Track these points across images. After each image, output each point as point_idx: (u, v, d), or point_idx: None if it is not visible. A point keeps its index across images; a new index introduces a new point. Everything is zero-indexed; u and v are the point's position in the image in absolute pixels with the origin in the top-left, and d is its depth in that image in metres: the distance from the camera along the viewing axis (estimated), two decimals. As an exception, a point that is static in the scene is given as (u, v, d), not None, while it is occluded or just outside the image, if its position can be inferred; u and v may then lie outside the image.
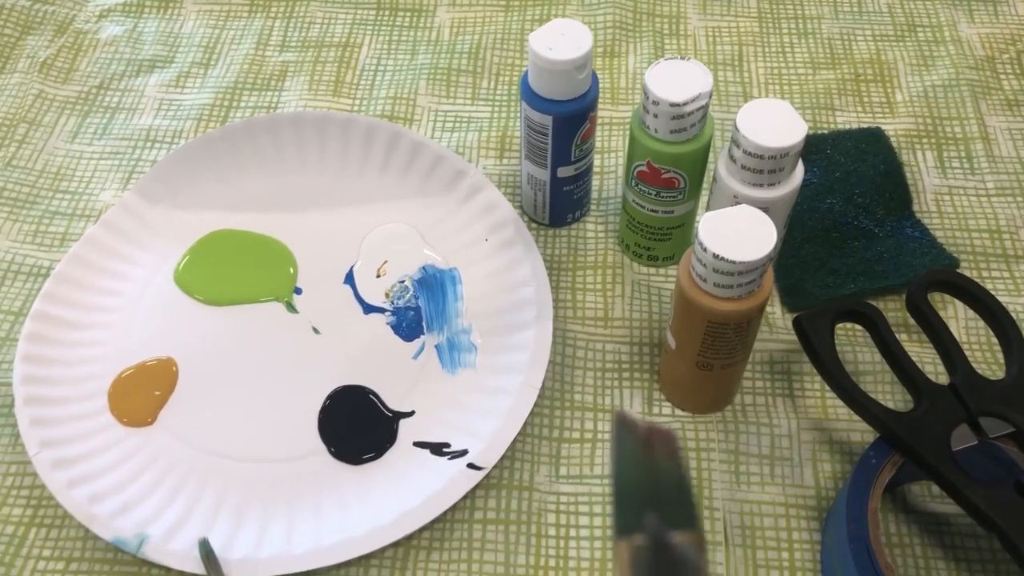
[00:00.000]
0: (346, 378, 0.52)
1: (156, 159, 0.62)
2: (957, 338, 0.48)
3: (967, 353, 0.49)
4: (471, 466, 0.47)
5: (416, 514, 0.46)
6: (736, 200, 0.48)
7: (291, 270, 0.56)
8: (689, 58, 0.48)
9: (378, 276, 0.56)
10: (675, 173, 0.50)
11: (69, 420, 0.49)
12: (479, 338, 0.53)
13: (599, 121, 0.64)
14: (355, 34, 0.69)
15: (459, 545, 0.46)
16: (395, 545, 0.46)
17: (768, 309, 0.54)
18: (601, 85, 0.66)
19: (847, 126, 0.63)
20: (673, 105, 0.47)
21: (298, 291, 0.55)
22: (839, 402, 0.51)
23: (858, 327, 0.53)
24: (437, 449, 0.49)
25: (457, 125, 0.64)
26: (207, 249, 0.57)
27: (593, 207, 0.59)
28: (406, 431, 0.50)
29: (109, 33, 0.70)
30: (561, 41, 0.48)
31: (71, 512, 0.46)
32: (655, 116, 0.48)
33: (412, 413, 0.50)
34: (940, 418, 0.43)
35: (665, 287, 0.55)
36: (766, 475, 0.48)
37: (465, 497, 0.47)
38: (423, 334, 0.53)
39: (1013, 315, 0.53)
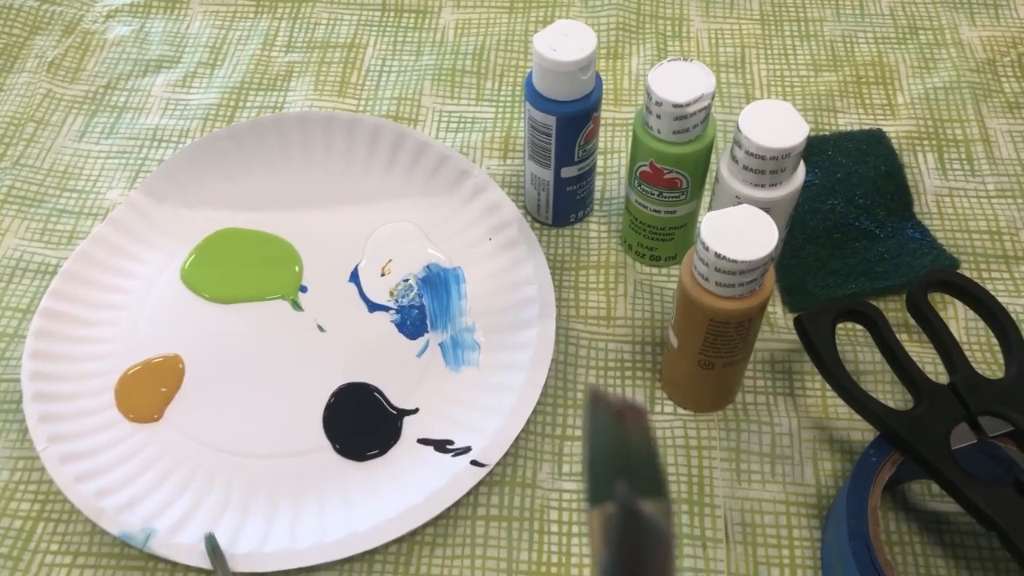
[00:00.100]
0: (351, 375, 0.52)
1: (163, 158, 0.63)
2: (957, 338, 0.48)
3: (967, 353, 0.49)
4: (474, 463, 0.47)
5: (420, 510, 0.46)
6: (738, 200, 0.48)
7: (296, 268, 0.56)
8: (692, 59, 0.49)
9: (383, 275, 0.56)
10: (678, 173, 0.50)
11: (77, 416, 0.50)
12: (482, 336, 0.53)
13: (602, 122, 0.64)
14: (360, 35, 0.70)
15: (462, 541, 0.47)
16: (399, 541, 0.47)
17: (769, 309, 0.55)
18: (604, 86, 0.66)
19: (848, 128, 0.63)
20: (676, 106, 0.47)
21: (303, 289, 0.56)
22: (839, 401, 0.51)
23: (859, 327, 0.53)
24: (441, 446, 0.49)
25: (461, 125, 0.64)
26: (213, 247, 0.57)
27: (596, 207, 0.59)
28: (410, 428, 0.50)
29: (116, 33, 0.70)
30: (565, 42, 0.49)
31: (78, 507, 0.46)
32: (658, 117, 0.48)
33: (416, 410, 0.51)
34: (940, 417, 0.44)
35: (667, 287, 0.56)
36: (767, 473, 0.49)
37: (468, 494, 0.48)
38: (427, 332, 0.54)
39: (1013, 316, 0.53)
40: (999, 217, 0.59)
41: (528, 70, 0.65)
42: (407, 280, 0.56)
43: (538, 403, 0.51)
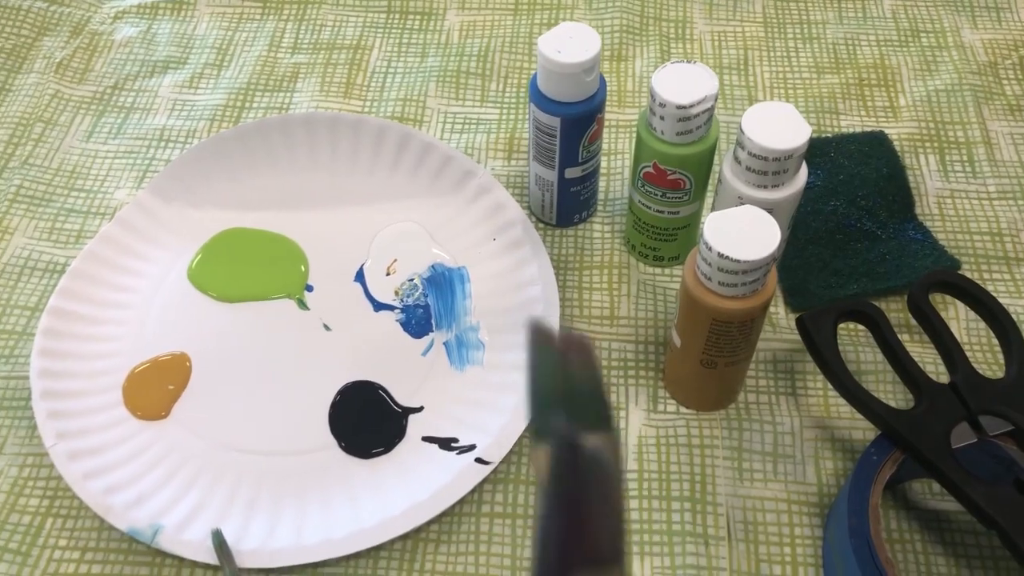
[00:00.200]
0: (356, 374, 0.53)
1: (170, 158, 0.63)
2: (958, 338, 0.49)
3: (967, 353, 0.50)
4: (479, 461, 0.48)
5: (424, 507, 0.46)
6: (741, 201, 0.48)
7: (302, 268, 0.57)
8: (695, 61, 0.49)
9: (388, 274, 0.57)
10: (681, 174, 0.51)
11: (85, 413, 0.50)
12: (487, 336, 0.54)
13: (606, 123, 0.65)
14: (366, 37, 0.70)
15: (467, 538, 0.47)
16: (404, 538, 0.47)
17: (772, 309, 0.55)
18: (608, 88, 0.66)
19: (851, 130, 0.64)
20: (679, 107, 0.48)
21: (309, 288, 0.56)
22: (841, 400, 0.51)
23: (860, 327, 0.54)
24: (445, 444, 0.50)
25: (466, 127, 0.64)
26: (220, 247, 0.58)
27: (600, 208, 0.60)
28: (415, 426, 0.51)
29: (124, 34, 0.71)
30: (570, 44, 0.49)
31: (87, 503, 0.47)
32: (662, 118, 0.49)
33: (421, 409, 0.51)
34: (940, 416, 0.44)
35: (670, 287, 0.56)
36: (769, 472, 0.49)
37: (473, 491, 0.48)
38: (432, 331, 0.54)
39: (1013, 316, 0.54)
40: (1000, 219, 0.59)
41: (532, 72, 0.65)
42: (412, 280, 0.56)
43: (542, 402, 0.51)
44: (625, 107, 0.65)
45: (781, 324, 0.54)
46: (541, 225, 0.59)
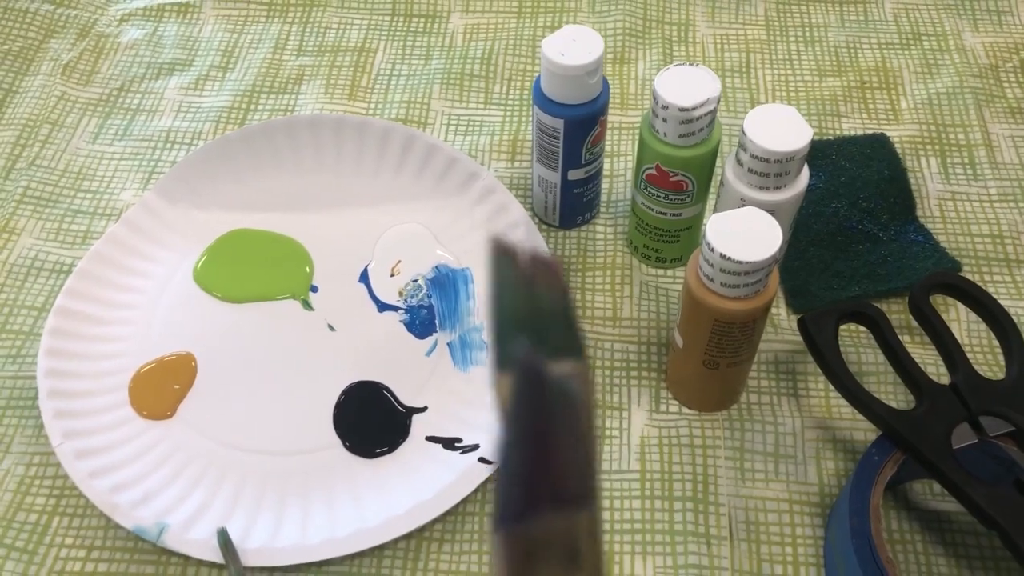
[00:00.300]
0: (360, 374, 0.53)
1: (175, 160, 0.63)
2: (958, 339, 0.49)
3: (968, 354, 0.50)
4: (482, 460, 0.48)
5: (428, 506, 0.47)
6: (743, 203, 0.49)
7: (307, 269, 0.57)
8: (698, 64, 0.49)
9: (392, 275, 0.57)
10: (683, 176, 0.51)
11: (91, 413, 0.51)
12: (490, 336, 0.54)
13: (609, 126, 0.65)
14: (370, 39, 0.71)
15: (470, 537, 0.47)
16: (408, 537, 0.47)
17: (774, 310, 0.55)
18: (611, 90, 0.67)
19: (852, 132, 0.64)
20: (682, 109, 0.48)
21: (314, 289, 0.56)
22: (842, 401, 0.52)
23: (861, 328, 0.54)
24: (449, 444, 0.50)
25: (470, 129, 0.65)
26: (225, 248, 0.58)
27: (602, 210, 0.60)
28: (419, 426, 0.51)
29: (130, 37, 0.71)
30: (573, 47, 0.50)
31: (93, 501, 0.47)
32: (664, 120, 0.49)
33: (425, 409, 0.52)
34: (941, 417, 0.44)
35: (673, 288, 0.56)
36: (771, 472, 0.49)
37: (476, 490, 0.48)
38: (436, 332, 0.55)
39: (1014, 318, 0.54)
40: (1001, 221, 0.59)
41: (536, 74, 0.66)
42: (416, 280, 0.57)
43: (545, 402, 0.51)
44: (628, 109, 0.66)
45: (783, 325, 0.55)
46: (544, 227, 0.60)
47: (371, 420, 0.51)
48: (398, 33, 0.71)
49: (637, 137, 0.63)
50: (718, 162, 0.59)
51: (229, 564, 0.45)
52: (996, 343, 0.54)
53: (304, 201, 0.60)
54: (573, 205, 0.58)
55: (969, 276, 0.57)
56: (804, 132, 0.47)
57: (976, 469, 0.44)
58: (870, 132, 0.63)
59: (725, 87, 0.67)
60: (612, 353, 0.54)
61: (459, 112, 0.66)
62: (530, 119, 0.65)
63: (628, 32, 0.70)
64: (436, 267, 0.57)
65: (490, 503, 0.48)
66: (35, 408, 0.52)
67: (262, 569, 0.46)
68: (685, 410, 0.51)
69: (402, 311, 0.55)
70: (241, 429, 0.51)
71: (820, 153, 0.60)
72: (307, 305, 0.56)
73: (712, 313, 0.45)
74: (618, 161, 0.63)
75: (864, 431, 0.51)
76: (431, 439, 0.50)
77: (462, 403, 0.52)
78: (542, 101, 0.52)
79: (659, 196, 0.53)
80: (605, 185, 0.61)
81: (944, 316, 0.54)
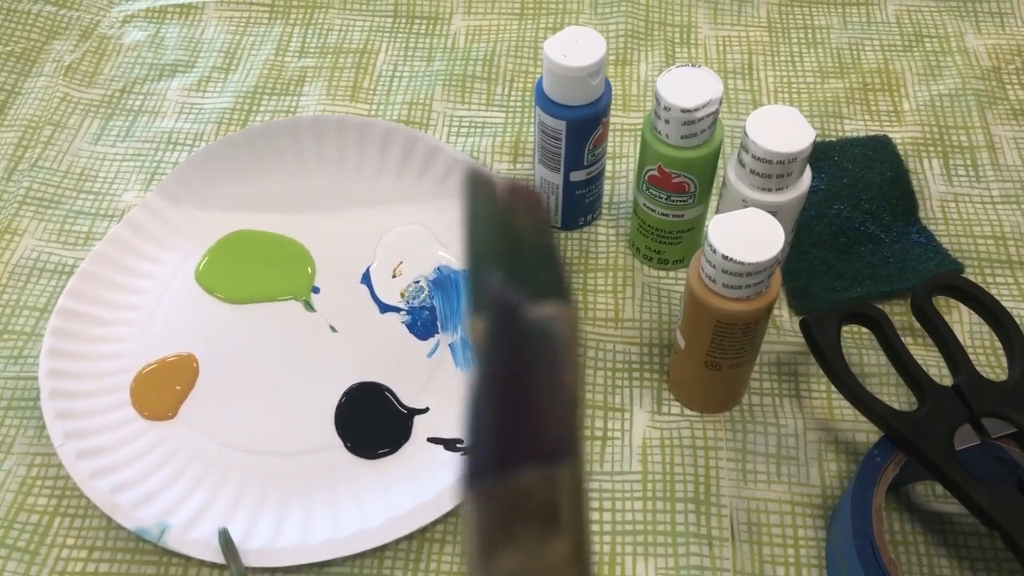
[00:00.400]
0: (362, 375, 0.53)
1: (177, 161, 0.64)
2: (961, 341, 0.49)
3: (971, 356, 0.50)
4: (484, 461, 0.48)
5: (430, 507, 0.47)
6: (745, 204, 0.49)
7: (309, 270, 0.57)
8: (700, 65, 0.49)
9: (394, 276, 0.57)
10: (685, 177, 0.51)
11: (93, 413, 0.51)
12: (492, 337, 0.54)
13: (611, 127, 0.65)
14: (372, 41, 0.71)
15: (472, 538, 0.47)
16: (409, 538, 0.47)
17: (776, 312, 0.55)
18: (613, 92, 0.67)
19: (855, 134, 0.64)
20: (684, 111, 0.48)
21: (316, 290, 0.56)
22: (845, 403, 0.52)
23: (864, 330, 0.54)
24: (451, 445, 0.50)
25: (472, 130, 0.65)
26: (227, 249, 0.58)
27: (604, 211, 0.60)
28: (420, 427, 0.51)
29: (132, 38, 0.72)
30: (575, 48, 0.50)
31: (94, 502, 0.47)
32: (666, 122, 0.49)
33: (426, 410, 0.52)
34: (943, 418, 0.44)
35: (675, 290, 0.56)
36: (773, 474, 0.49)
37: (478, 492, 0.48)
38: (438, 333, 0.55)
39: (1017, 319, 0.54)
40: (1003, 223, 0.59)
41: (537, 76, 0.66)
42: (418, 282, 0.57)
43: (547, 403, 0.51)
44: (630, 111, 0.66)
45: (785, 327, 0.55)
46: (546, 228, 0.59)
47: (373, 421, 0.51)
48: (400, 35, 0.71)
49: (639, 139, 0.63)
50: (720, 163, 0.59)
51: (230, 564, 0.45)
52: (998, 344, 0.53)
53: (306, 202, 0.60)
54: (575, 206, 0.58)
55: (971, 278, 0.56)
56: (806, 133, 0.47)
57: (978, 470, 0.44)
58: (872, 134, 0.63)
59: (727, 89, 0.67)
60: (614, 354, 0.54)
61: (461, 113, 0.66)
62: (532, 120, 0.65)
63: (630, 34, 0.70)
64: (438, 268, 0.57)
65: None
66: (37, 409, 0.52)
67: (263, 569, 0.46)
68: (687, 411, 0.51)
69: (404, 312, 0.55)
70: (242, 430, 0.51)
71: (822, 155, 0.60)
72: (309, 306, 0.56)
73: (714, 314, 0.45)
74: (620, 163, 0.63)
75: (866, 432, 0.50)
76: (433, 440, 0.50)
77: (464, 404, 0.52)
78: (544, 102, 0.52)
79: (661, 197, 0.53)
80: (607, 187, 0.61)
81: (947, 318, 0.54)
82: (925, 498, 0.48)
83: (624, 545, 0.47)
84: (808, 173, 0.49)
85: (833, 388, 0.52)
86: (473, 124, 0.65)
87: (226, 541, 0.46)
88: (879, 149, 0.61)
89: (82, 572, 0.46)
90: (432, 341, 0.54)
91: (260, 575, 0.46)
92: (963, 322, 0.55)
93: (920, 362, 0.47)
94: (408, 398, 0.52)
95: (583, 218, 0.59)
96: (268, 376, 0.53)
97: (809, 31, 0.71)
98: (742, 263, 0.42)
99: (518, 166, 0.63)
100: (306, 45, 0.71)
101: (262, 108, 0.67)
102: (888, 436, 0.45)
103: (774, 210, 0.48)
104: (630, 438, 0.50)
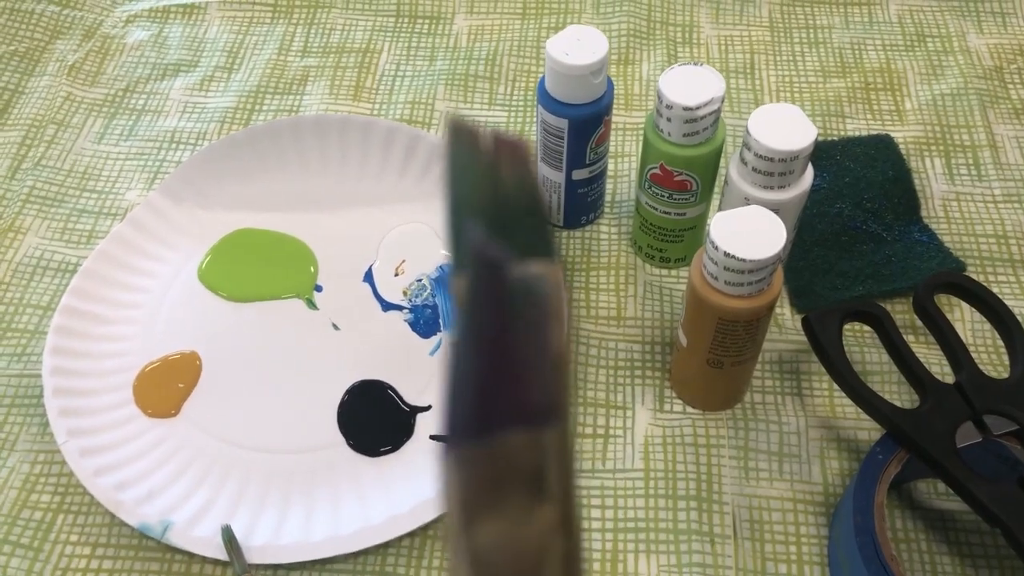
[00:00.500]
0: (364, 373, 0.53)
1: (180, 160, 0.64)
2: (963, 339, 0.49)
3: (973, 354, 0.50)
4: (486, 459, 0.48)
5: (432, 504, 0.47)
6: (747, 202, 0.49)
7: (312, 268, 0.57)
8: (702, 64, 0.49)
9: (396, 275, 0.57)
10: (687, 176, 0.51)
11: (96, 411, 0.51)
12: (494, 336, 0.54)
13: (613, 126, 0.65)
14: (375, 40, 0.71)
15: (474, 535, 0.47)
16: (411, 535, 0.47)
17: (778, 310, 0.55)
18: (615, 91, 0.67)
19: (857, 133, 0.64)
20: (686, 109, 0.48)
21: (318, 289, 0.57)
22: (847, 401, 0.52)
23: (866, 328, 0.54)
24: (453, 442, 0.50)
25: (474, 129, 0.65)
26: (230, 247, 0.58)
27: (606, 210, 0.60)
28: (423, 425, 0.51)
29: (135, 38, 0.72)
30: (578, 46, 0.50)
31: (98, 499, 0.47)
32: (668, 120, 0.49)
33: (429, 407, 0.52)
34: (945, 416, 0.44)
35: (677, 288, 0.56)
36: (775, 471, 0.49)
37: (480, 489, 0.48)
38: (440, 331, 0.55)
39: (1019, 317, 0.54)
40: (1005, 221, 0.59)
41: (540, 75, 0.66)
42: (420, 280, 0.57)
43: (549, 401, 0.51)
44: (632, 110, 0.66)
45: (787, 325, 0.55)
46: (548, 227, 0.60)
47: (375, 419, 0.51)
48: (403, 34, 0.71)
49: (641, 138, 0.63)
50: (722, 162, 0.59)
51: (233, 561, 0.45)
52: (1000, 342, 0.54)
53: (308, 201, 0.60)
54: (577, 205, 0.58)
55: (973, 276, 0.56)
56: (808, 131, 0.47)
57: (980, 468, 0.44)
58: (874, 133, 0.64)
59: (729, 88, 0.67)
60: (616, 353, 0.54)
61: (463, 113, 0.66)
62: (534, 120, 0.65)
63: (632, 33, 0.70)
64: (440, 267, 0.57)
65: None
66: (40, 406, 0.52)
67: (266, 566, 0.46)
68: (689, 409, 0.51)
69: (406, 310, 0.56)
70: (245, 427, 0.51)
71: (824, 154, 0.61)
72: (311, 304, 0.56)
73: (716, 311, 0.45)
74: (622, 162, 0.63)
75: (868, 430, 0.51)
76: (435, 438, 0.50)
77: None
78: (546, 101, 0.52)
79: (663, 196, 0.53)
80: (609, 185, 0.61)
81: (948, 316, 0.54)
82: (927, 495, 0.48)
83: (626, 542, 0.47)
84: (810, 171, 0.49)
85: (835, 386, 0.52)
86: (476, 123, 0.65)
87: (229, 538, 0.46)
88: (881, 148, 0.61)
89: (85, 569, 0.47)
90: (435, 339, 0.54)
91: (263, 572, 0.46)
92: (965, 320, 0.55)
93: (922, 360, 0.47)
94: (410, 396, 0.52)
95: (585, 217, 0.59)
96: (271, 374, 0.53)
97: (811, 31, 0.71)
98: (744, 260, 0.42)
99: (520, 165, 0.63)
100: (309, 45, 0.71)
101: (265, 107, 0.67)
102: (890, 434, 0.45)
103: (776, 208, 0.48)
104: (632, 436, 0.50)
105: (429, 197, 0.60)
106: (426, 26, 0.72)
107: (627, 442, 0.50)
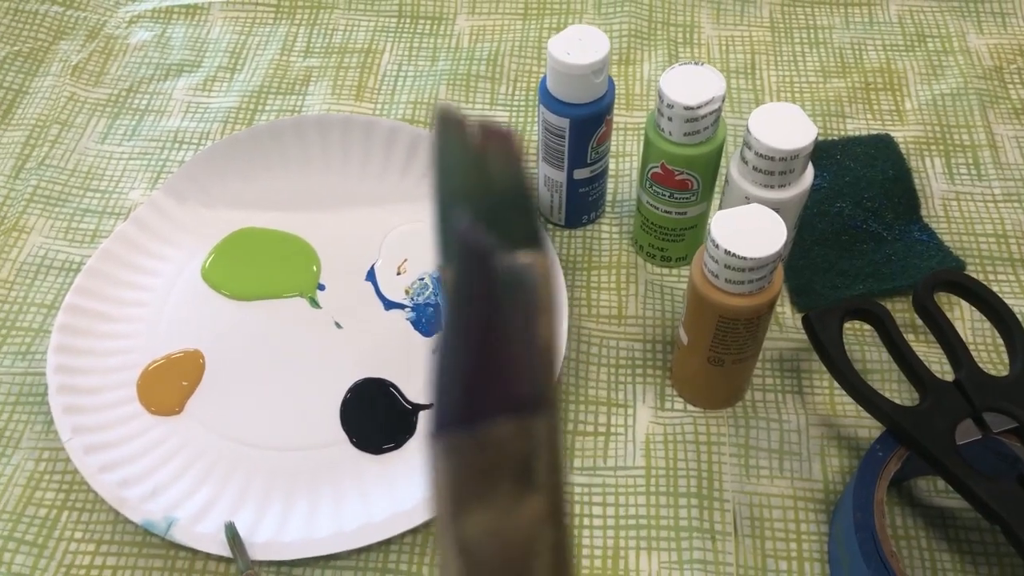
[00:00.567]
0: (367, 371, 0.53)
1: (183, 159, 0.64)
2: (963, 337, 0.49)
3: (972, 352, 0.50)
4: (488, 456, 0.48)
5: (435, 502, 0.47)
6: (748, 201, 0.49)
7: (314, 267, 0.58)
8: (703, 63, 0.50)
9: (399, 273, 0.57)
10: (688, 175, 0.51)
11: (100, 408, 0.51)
12: (496, 334, 0.54)
13: (614, 126, 0.65)
14: (377, 41, 0.71)
15: (476, 532, 0.48)
16: (414, 531, 0.48)
17: (779, 309, 0.56)
18: (616, 91, 0.67)
19: (857, 133, 0.64)
20: (687, 108, 0.48)
21: (321, 287, 0.57)
22: (847, 399, 0.52)
23: (866, 326, 0.54)
24: (455, 440, 0.50)
25: (476, 129, 0.65)
26: (233, 246, 0.59)
27: (608, 209, 0.61)
28: (425, 423, 0.51)
29: (139, 38, 0.72)
30: (579, 46, 0.50)
31: (102, 496, 0.47)
32: (669, 119, 0.49)
33: (431, 405, 0.52)
34: (945, 413, 0.44)
35: (677, 287, 0.57)
36: (775, 469, 0.49)
37: (482, 486, 0.49)
38: (442, 330, 0.55)
39: (1018, 316, 0.54)
40: (1005, 221, 0.59)
41: (541, 75, 0.66)
42: (423, 279, 0.57)
43: (550, 399, 0.52)
44: (633, 110, 0.66)
45: (787, 324, 0.55)
46: (550, 226, 0.60)
47: (378, 417, 0.52)
48: (404, 34, 0.72)
49: (642, 137, 0.63)
50: (723, 161, 0.59)
51: (237, 558, 0.45)
52: (999, 340, 0.54)
53: (311, 200, 0.61)
54: (578, 204, 0.58)
55: (973, 275, 0.57)
56: (809, 130, 0.47)
57: (979, 465, 0.44)
58: (875, 132, 0.64)
59: (730, 88, 0.67)
60: (617, 351, 0.54)
61: (465, 112, 0.66)
62: (535, 119, 0.66)
63: (633, 34, 0.71)
64: (442, 265, 0.57)
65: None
66: (44, 404, 0.52)
67: (270, 563, 0.46)
68: (690, 407, 0.52)
69: (408, 309, 0.56)
70: (248, 425, 0.51)
71: (825, 153, 0.61)
72: (314, 303, 0.56)
73: (717, 309, 0.45)
74: (623, 161, 0.63)
75: (868, 428, 0.51)
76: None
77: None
78: (548, 100, 0.52)
79: (664, 195, 0.53)
80: (610, 185, 0.62)
81: (948, 314, 0.54)
82: (927, 493, 0.49)
83: (627, 539, 0.47)
84: (810, 170, 0.49)
85: (835, 384, 0.52)
86: (477, 123, 0.65)
87: (233, 535, 0.46)
88: (881, 148, 0.61)
89: (90, 565, 0.47)
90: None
91: (266, 568, 0.47)
92: (964, 318, 0.55)
93: (922, 358, 0.47)
94: (413, 394, 0.52)
95: (586, 216, 0.59)
96: (274, 372, 0.53)
97: (811, 31, 0.71)
98: (745, 258, 0.42)
99: (522, 164, 0.63)
100: (311, 45, 0.71)
101: (267, 107, 0.67)
102: (890, 431, 0.45)
103: (776, 207, 0.49)
104: (633, 434, 0.51)
105: (430, 197, 0.60)
106: (428, 26, 0.72)
107: (628, 440, 0.51)
